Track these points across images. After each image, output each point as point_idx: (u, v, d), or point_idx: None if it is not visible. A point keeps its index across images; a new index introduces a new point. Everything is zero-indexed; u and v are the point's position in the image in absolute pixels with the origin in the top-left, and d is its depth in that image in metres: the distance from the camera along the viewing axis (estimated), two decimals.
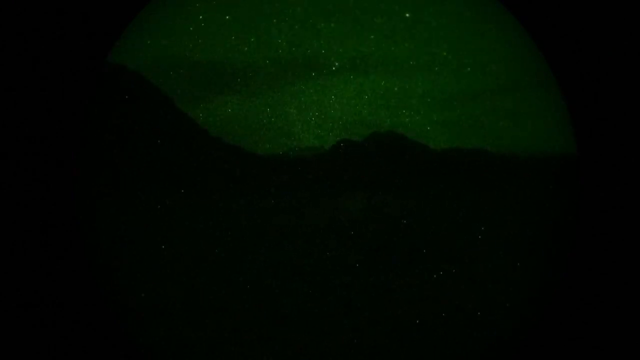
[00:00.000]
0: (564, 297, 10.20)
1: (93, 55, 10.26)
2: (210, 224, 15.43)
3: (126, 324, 10.75)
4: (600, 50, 9.99)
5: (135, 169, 14.57)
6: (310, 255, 16.40)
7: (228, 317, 12.02)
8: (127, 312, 11.36)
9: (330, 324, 12.07)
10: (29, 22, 9.72)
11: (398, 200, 19.76)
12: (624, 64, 9.91)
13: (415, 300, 13.34)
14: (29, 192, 9.72)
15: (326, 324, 12.05)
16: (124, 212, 13.98)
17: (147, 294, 11.98)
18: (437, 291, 13.85)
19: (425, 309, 12.73)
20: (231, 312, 12.27)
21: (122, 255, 12.37)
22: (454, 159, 21.07)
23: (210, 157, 18.91)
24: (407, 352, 10.83)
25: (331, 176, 20.46)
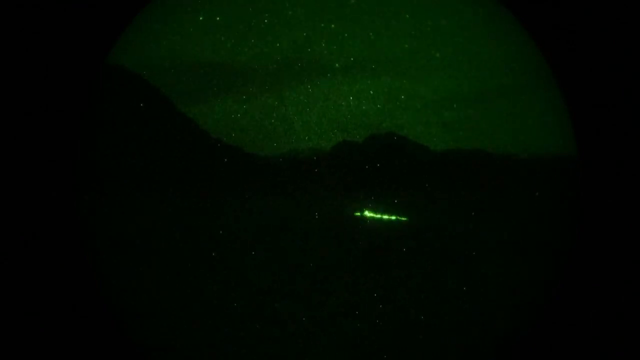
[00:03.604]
0: (564, 297, 10.21)
1: (92, 56, 10.27)
2: (210, 224, 15.45)
3: (124, 325, 10.76)
4: (601, 51, 9.99)
5: (135, 169, 14.59)
6: (310, 256, 16.43)
7: (227, 318, 12.04)
8: (125, 312, 11.38)
9: (330, 325, 12.08)
10: (27, 23, 9.73)
11: (398, 201, 19.81)
12: (624, 65, 9.91)
13: (415, 300, 13.35)
14: (28, 193, 9.72)
15: (326, 325, 12.06)
16: (123, 212, 14.01)
17: (146, 295, 12.00)
18: (437, 292, 13.87)
19: (426, 309, 12.74)
20: (230, 313, 12.29)
21: (121, 255, 12.39)
22: (454, 160, 21.10)
23: (211, 158, 18.91)
24: (407, 353, 10.84)
25: (331, 177, 20.48)
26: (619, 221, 9.97)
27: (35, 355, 9.30)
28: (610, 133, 9.97)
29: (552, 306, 10.30)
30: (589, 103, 10.11)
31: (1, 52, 9.63)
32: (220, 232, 15.37)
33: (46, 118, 9.83)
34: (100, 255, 11.42)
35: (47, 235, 9.69)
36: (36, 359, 9.29)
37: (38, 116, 9.78)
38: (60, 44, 9.89)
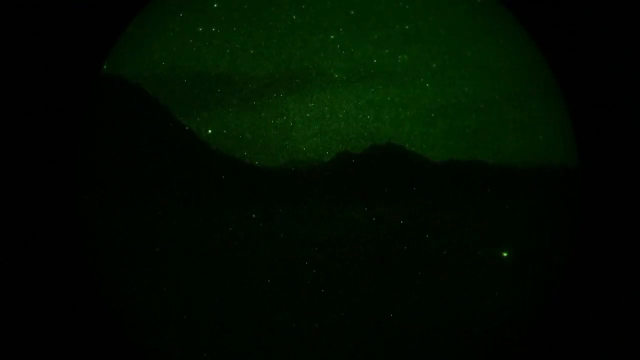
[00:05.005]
0: (563, 308, 10.20)
1: (93, 57, 10.30)
2: (210, 234, 15.44)
3: (124, 326, 10.72)
4: (605, 57, 9.99)
5: (135, 173, 14.60)
6: (310, 266, 16.38)
7: (227, 322, 12.01)
8: (125, 313, 11.33)
9: (331, 334, 12.05)
10: (23, 31, 9.76)
11: (399, 212, 19.77)
12: (628, 73, 9.91)
13: (416, 309, 13.33)
14: (28, 193, 9.72)
15: (327, 335, 12.03)
16: (121, 222, 13.99)
17: (146, 296, 11.97)
18: (437, 301, 13.84)
19: (426, 318, 12.72)
20: (231, 322, 12.25)
21: (121, 256, 12.36)
22: (454, 170, 21.13)
23: (209, 169, 18.94)
24: (408, 354, 10.84)
25: (331, 188, 20.47)
26: (619, 226, 9.98)
27: (35, 355, 9.27)
28: (613, 141, 9.96)
29: (552, 316, 10.29)
30: (591, 110, 10.10)
31: (3, 53, 9.67)
32: (220, 242, 15.33)
33: (46, 119, 9.86)
34: (100, 255, 11.38)
35: (47, 235, 9.67)
36: (36, 359, 9.27)
37: (38, 116, 9.81)
38: (61, 45, 9.94)
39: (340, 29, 15.27)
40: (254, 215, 17.02)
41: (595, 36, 9.94)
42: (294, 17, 14.36)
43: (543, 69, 10.72)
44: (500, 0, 10.83)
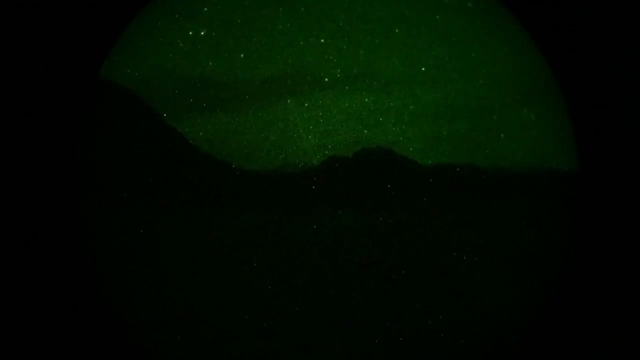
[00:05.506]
0: (564, 308, 10.21)
1: (88, 66, 10.31)
2: (209, 236, 15.37)
3: (124, 326, 10.70)
4: (606, 59, 10.01)
5: (133, 180, 14.55)
6: (300, 271, 16.34)
7: (227, 328, 11.99)
8: (125, 314, 11.30)
9: (328, 337, 12.04)
10: (22, 33, 9.76)
11: (388, 216, 19.70)
12: (629, 74, 9.92)
13: (407, 315, 13.31)
14: (28, 193, 9.71)
15: (324, 337, 12.01)
16: (121, 223, 13.92)
17: (146, 297, 11.94)
18: (428, 306, 13.81)
19: (418, 323, 12.71)
20: (230, 323, 12.23)
21: (121, 256, 12.31)
22: (451, 173, 21.12)
23: (206, 171, 18.89)
24: (406, 356, 10.82)
25: (321, 192, 20.40)
26: (619, 229, 9.99)
27: (35, 355, 9.26)
28: (614, 143, 9.96)
29: (549, 323, 10.30)
30: (592, 112, 10.08)
31: (1, 55, 9.67)
32: (212, 247, 15.28)
33: (46, 119, 9.86)
34: (100, 256, 11.35)
35: (47, 235, 9.66)
36: (35, 359, 9.25)
37: (38, 117, 9.81)
38: (61, 45, 9.94)
39: (332, 33, 15.22)
40: (249, 218, 16.96)
41: (596, 37, 9.95)
42: (286, 20, 14.36)
43: (543, 69, 10.71)
44: (500, 0, 10.86)
